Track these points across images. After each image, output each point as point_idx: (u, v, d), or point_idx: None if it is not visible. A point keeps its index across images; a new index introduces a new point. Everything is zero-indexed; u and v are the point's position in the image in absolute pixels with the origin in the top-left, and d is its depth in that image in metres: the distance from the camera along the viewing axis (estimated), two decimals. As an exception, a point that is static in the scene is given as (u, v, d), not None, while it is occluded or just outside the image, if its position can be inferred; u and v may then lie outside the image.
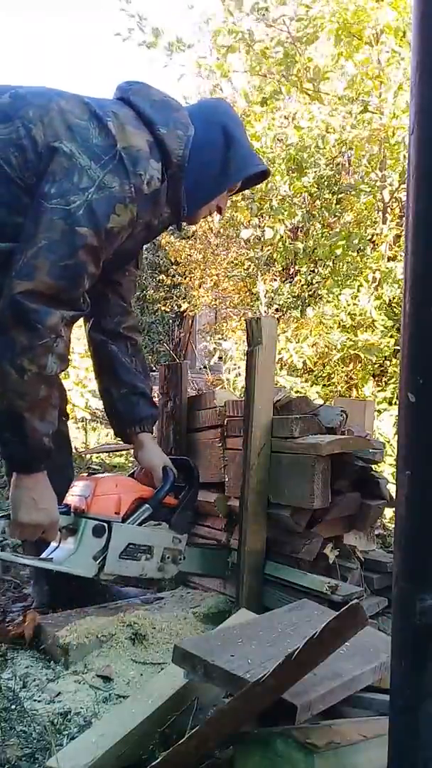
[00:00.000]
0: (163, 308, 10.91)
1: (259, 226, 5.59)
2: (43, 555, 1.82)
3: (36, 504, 1.65)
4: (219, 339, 5.62)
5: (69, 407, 6.27)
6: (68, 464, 2.14)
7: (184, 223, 1.95)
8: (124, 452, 5.09)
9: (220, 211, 1.95)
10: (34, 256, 1.54)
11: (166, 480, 2.01)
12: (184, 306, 9.37)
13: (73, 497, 1.87)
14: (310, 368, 4.91)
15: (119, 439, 2.21)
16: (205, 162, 1.79)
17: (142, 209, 1.69)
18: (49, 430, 1.63)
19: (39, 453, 1.63)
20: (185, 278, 8.94)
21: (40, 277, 1.54)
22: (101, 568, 1.82)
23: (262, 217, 5.70)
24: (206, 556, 2.22)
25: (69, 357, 1.66)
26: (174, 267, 9.36)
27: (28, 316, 1.54)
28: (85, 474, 1.94)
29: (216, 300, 7.97)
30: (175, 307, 10.24)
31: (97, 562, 1.81)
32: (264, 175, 2.00)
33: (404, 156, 4.44)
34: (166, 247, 9.19)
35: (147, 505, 1.93)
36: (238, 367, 5.03)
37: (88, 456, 4.96)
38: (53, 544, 1.83)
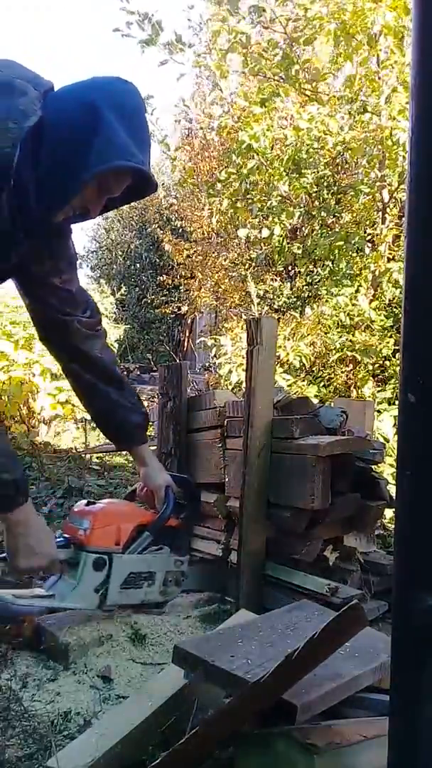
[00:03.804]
0: (163, 309, 10.93)
1: (260, 226, 5.59)
2: (45, 588, 1.82)
3: (33, 549, 1.60)
4: (218, 338, 5.62)
5: (69, 407, 6.27)
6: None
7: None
8: (124, 452, 5.09)
9: (88, 212, 1.61)
10: None
11: (167, 504, 1.97)
12: (185, 308, 9.38)
13: (72, 528, 1.85)
14: (308, 368, 4.91)
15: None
16: (63, 151, 1.47)
17: None
18: None
19: (4, 489, 1.52)
20: (185, 278, 8.95)
21: None
22: (103, 600, 1.81)
23: (264, 217, 5.70)
24: (202, 571, 2.22)
25: None
26: (176, 267, 9.37)
27: None
28: (84, 502, 1.92)
29: (216, 300, 7.97)
30: (176, 309, 10.25)
31: (99, 594, 1.81)
32: (146, 179, 1.57)
33: (403, 157, 4.45)
34: (167, 245, 9.19)
35: (147, 533, 1.91)
36: (232, 362, 5.04)
37: (88, 456, 4.96)
38: (54, 576, 1.82)
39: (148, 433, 2.09)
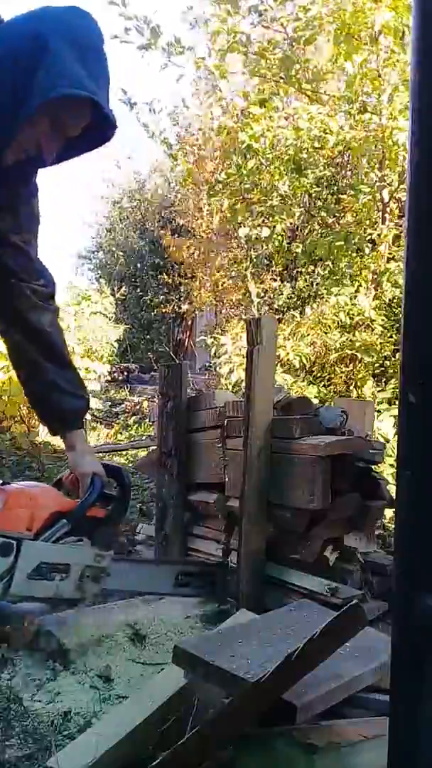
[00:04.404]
0: (163, 308, 10.94)
1: (260, 225, 5.59)
2: None
3: None
4: (217, 335, 5.62)
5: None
6: None
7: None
8: (124, 452, 5.09)
9: (41, 149, 1.48)
10: None
11: (91, 492, 1.80)
12: (185, 307, 9.38)
13: None
14: (308, 368, 4.92)
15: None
16: (7, 82, 1.36)
17: None
18: None
19: None
20: (186, 278, 8.96)
21: None
22: (6, 589, 1.64)
23: (264, 217, 5.70)
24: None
25: None
26: (177, 266, 9.39)
27: None
28: None
29: (216, 300, 7.98)
30: (176, 309, 10.26)
31: (3, 582, 1.63)
32: (105, 118, 1.45)
33: (403, 156, 4.45)
34: (168, 245, 9.21)
35: (64, 520, 1.75)
36: (232, 362, 5.05)
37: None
38: None
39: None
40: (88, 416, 6.29)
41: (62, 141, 1.49)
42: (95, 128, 1.50)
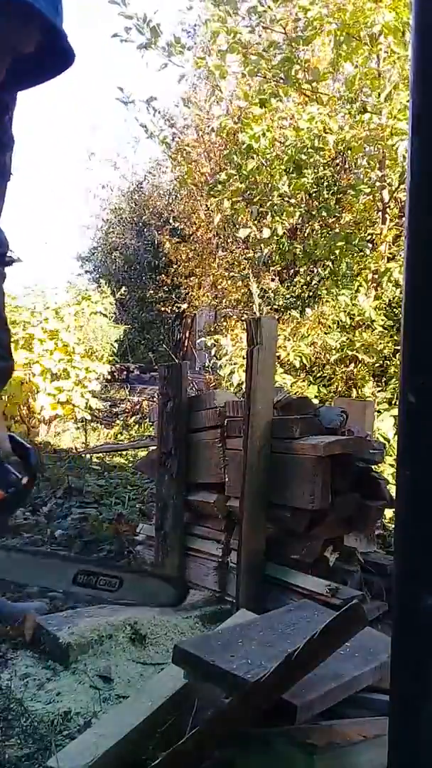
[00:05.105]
0: (162, 308, 10.94)
1: (259, 224, 5.59)
2: None
3: None
4: (217, 338, 5.61)
5: (69, 407, 6.27)
6: None
7: None
8: (124, 452, 5.10)
9: None
10: None
11: None
12: (184, 306, 9.38)
13: None
14: (309, 368, 4.92)
15: None
16: None
17: None
18: None
19: None
20: (184, 278, 8.97)
21: None
22: None
23: (262, 217, 5.71)
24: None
25: None
26: (174, 267, 9.40)
27: None
28: None
29: (215, 300, 7.98)
30: (175, 308, 10.27)
31: None
32: (56, 34, 1.34)
33: (403, 156, 4.45)
34: (166, 246, 9.22)
35: None
36: (234, 363, 5.04)
37: (87, 456, 4.96)
38: None
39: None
40: (87, 416, 6.30)
41: (11, 55, 1.39)
42: (55, 54, 1.40)
